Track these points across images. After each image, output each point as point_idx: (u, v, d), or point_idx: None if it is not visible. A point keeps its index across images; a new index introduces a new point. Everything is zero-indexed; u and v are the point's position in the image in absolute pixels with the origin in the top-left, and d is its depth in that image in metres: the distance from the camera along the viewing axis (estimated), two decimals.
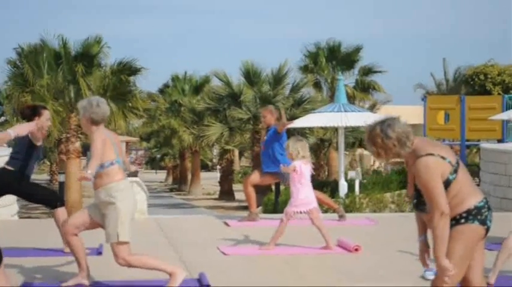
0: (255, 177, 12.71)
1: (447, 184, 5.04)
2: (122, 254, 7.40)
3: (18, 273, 8.33)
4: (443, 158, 5.05)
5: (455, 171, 5.07)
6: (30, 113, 9.48)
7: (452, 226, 5.10)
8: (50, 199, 9.73)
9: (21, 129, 7.03)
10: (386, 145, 5.09)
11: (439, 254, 4.99)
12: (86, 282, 7.75)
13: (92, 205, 7.71)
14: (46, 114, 9.54)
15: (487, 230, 5.17)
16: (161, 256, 8.26)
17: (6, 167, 9.31)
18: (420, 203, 5.19)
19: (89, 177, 7.12)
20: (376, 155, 5.19)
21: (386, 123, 5.12)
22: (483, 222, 5.11)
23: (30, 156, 9.31)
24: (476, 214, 5.09)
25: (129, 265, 7.49)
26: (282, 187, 18.55)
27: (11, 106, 29.43)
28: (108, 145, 7.42)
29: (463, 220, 5.09)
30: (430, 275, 7.86)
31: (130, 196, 7.50)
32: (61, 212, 9.47)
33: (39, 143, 9.35)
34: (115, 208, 7.35)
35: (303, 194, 9.99)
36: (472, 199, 5.11)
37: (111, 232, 7.35)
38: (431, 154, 5.04)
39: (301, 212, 10.00)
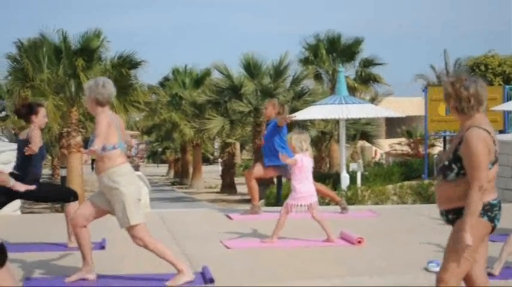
0: (257, 170, 12.70)
1: None
2: (139, 234, 7.46)
3: (21, 268, 8.34)
4: (494, 143, 5.07)
5: (494, 163, 5.08)
6: (26, 112, 9.44)
7: (461, 216, 5.09)
8: (64, 194, 9.73)
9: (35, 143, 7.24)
10: (461, 95, 5.11)
11: (466, 228, 4.95)
12: (90, 276, 7.76)
13: (97, 192, 7.74)
14: (42, 111, 9.52)
15: (493, 228, 5.17)
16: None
17: (14, 172, 9.29)
18: (448, 168, 5.14)
19: (94, 149, 7.13)
20: (446, 97, 5.20)
21: (473, 79, 5.17)
22: (492, 219, 5.13)
23: (32, 159, 9.27)
24: (487, 210, 5.10)
25: (146, 247, 7.55)
26: (283, 180, 18.53)
27: (12, 101, 29.40)
28: (112, 127, 7.44)
29: None
30: (434, 267, 7.86)
31: (133, 179, 7.54)
32: (73, 206, 9.45)
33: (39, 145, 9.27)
34: (120, 193, 7.38)
35: (304, 188, 9.98)
36: (490, 195, 5.12)
37: (121, 218, 7.42)
38: (489, 133, 5.05)
39: (301, 205, 9.99)
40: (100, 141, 7.26)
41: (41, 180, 9.79)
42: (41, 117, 9.44)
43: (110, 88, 7.64)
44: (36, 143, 9.05)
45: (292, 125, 23.29)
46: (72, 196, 9.56)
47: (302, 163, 9.98)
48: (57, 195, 9.89)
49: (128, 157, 7.85)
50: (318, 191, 12.87)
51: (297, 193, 9.97)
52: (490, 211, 5.11)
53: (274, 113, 12.66)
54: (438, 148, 44.46)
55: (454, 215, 5.17)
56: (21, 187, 7.39)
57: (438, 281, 5.15)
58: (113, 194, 7.45)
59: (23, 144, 9.24)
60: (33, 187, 7.82)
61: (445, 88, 5.21)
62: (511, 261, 8.25)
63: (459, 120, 5.20)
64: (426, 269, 8.07)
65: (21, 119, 9.74)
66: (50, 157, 53.52)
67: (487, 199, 5.10)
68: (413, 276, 7.93)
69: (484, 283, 5.28)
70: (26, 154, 9.07)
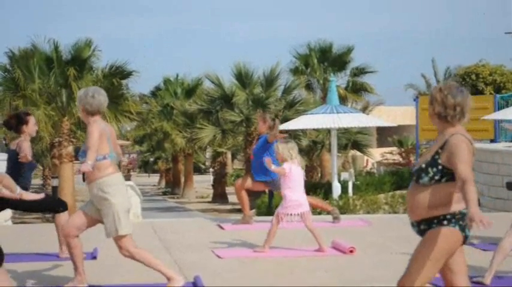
0: (247, 182, 12.68)
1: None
2: (125, 245, 7.48)
3: (13, 278, 8.30)
4: (473, 153, 5.10)
5: None
6: (16, 123, 9.42)
7: (433, 225, 5.10)
8: (53, 205, 9.71)
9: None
10: (447, 102, 5.12)
11: (475, 210, 4.79)
12: (82, 286, 7.75)
13: (87, 202, 7.75)
14: (32, 120, 9.51)
15: (465, 238, 5.14)
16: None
17: None
18: (424, 171, 5.14)
19: (89, 169, 7.16)
20: (432, 102, 5.19)
21: (461, 88, 5.20)
22: (463, 229, 5.10)
23: (22, 169, 9.24)
24: (459, 219, 5.09)
25: (133, 257, 7.56)
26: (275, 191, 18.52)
27: (3, 111, 29.36)
28: (103, 138, 7.45)
29: (445, 222, 5.07)
30: None
31: (123, 189, 7.56)
32: (63, 216, 9.44)
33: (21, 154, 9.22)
34: (109, 203, 7.40)
35: (295, 196, 9.98)
36: (460, 204, 5.09)
37: (110, 227, 7.44)
38: (471, 143, 5.10)
39: (291, 214, 9.98)
40: (92, 156, 7.27)
41: (30, 190, 9.76)
42: (31, 126, 9.43)
43: (99, 98, 7.64)
44: (27, 154, 9.05)
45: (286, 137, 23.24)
46: (62, 206, 9.55)
47: (291, 171, 9.99)
48: (47, 205, 9.85)
49: (119, 166, 7.86)
50: (310, 204, 12.88)
51: (287, 202, 9.97)
52: (461, 220, 5.08)
53: (264, 127, 12.56)
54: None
55: (425, 226, 5.16)
56: (28, 196, 7.44)
57: None
58: (102, 204, 7.46)
59: (13, 154, 9.22)
60: (40, 196, 7.85)
61: (432, 93, 5.23)
62: (503, 270, 8.27)
63: (438, 127, 5.21)
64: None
65: (11, 130, 9.71)
66: (41, 167, 53.39)
67: (459, 208, 5.08)
68: None
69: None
70: (20, 161, 9.05)
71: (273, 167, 10.37)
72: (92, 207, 7.64)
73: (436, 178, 5.07)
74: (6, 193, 7.32)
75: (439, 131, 5.24)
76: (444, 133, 5.16)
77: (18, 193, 6.83)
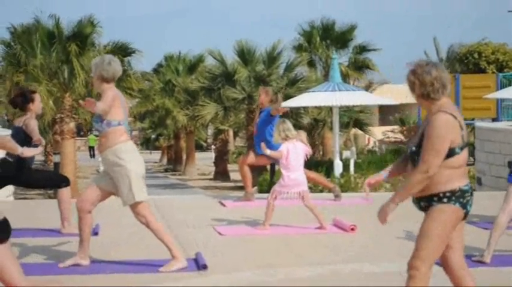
0: (250, 158, 12.71)
1: (451, 154, 5.04)
2: (143, 211, 7.51)
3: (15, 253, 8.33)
4: (461, 127, 5.07)
5: (462, 148, 5.09)
6: (22, 101, 9.43)
7: (433, 202, 5.11)
8: (55, 181, 9.76)
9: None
10: (424, 80, 5.10)
11: (394, 200, 5.13)
12: (83, 262, 7.77)
13: (100, 174, 7.76)
14: (38, 97, 9.55)
15: (466, 214, 5.18)
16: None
17: (7, 158, 9.28)
18: (417, 153, 5.15)
19: (95, 105, 7.15)
20: (411, 87, 5.19)
21: (433, 63, 5.18)
22: (464, 205, 5.13)
23: (28, 147, 9.26)
24: (459, 196, 5.10)
25: (148, 225, 7.58)
26: (277, 167, 18.54)
27: (4, 87, 29.34)
28: (118, 103, 7.46)
29: (445, 199, 5.09)
30: None
31: (138, 156, 7.59)
32: (66, 191, 9.47)
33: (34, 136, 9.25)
34: (125, 169, 7.40)
35: (293, 175, 9.97)
36: (459, 180, 5.11)
37: (126, 194, 7.44)
38: (455, 117, 5.06)
39: (288, 193, 9.97)
40: (103, 105, 7.28)
41: (33, 166, 9.79)
42: (37, 104, 9.46)
43: (115, 66, 7.64)
44: (37, 134, 9.09)
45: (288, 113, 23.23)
46: (64, 182, 9.57)
47: (288, 152, 9.98)
48: (49, 181, 9.91)
49: None
50: (311, 179, 12.88)
51: (285, 181, 9.97)
52: (461, 197, 5.10)
53: (267, 100, 12.62)
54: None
55: (425, 203, 5.18)
56: (29, 152, 7.43)
57: (409, 268, 5.17)
58: (118, 171, 7.45)
59: (18, 131, 9.23)
60: (39, 150, 7.88)
61: (407, 79, 5.21)
62: (503, 249, 8.28)
63: (426, 107, 5.19)
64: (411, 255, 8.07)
65: (16, 109, 9.72)
66: (44, 141, 53.31)
67: (458, 185, 5.10)
68: (405, 263, 7.94)
69: (461, 267, 5.28)
70: (31, 141, 9.07)
71: (268, 152, 10.39)
72: (106, 178, 7.62)
73: None
74: (26, 151, 7.30)
75: (427, 111, 5.22)
76: (430, 111, 5.15)
77: (20, 151, 6.83)
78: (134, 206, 7.53)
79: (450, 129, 5.01)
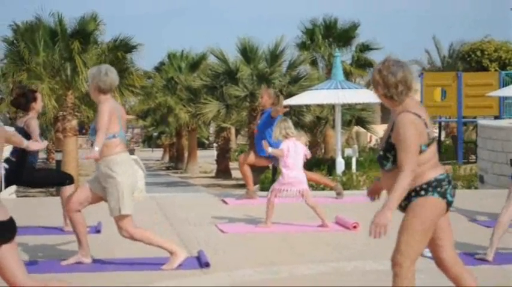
0: (250, 158, 12.70)
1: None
2: (125, 226, 7.50)
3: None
4: (426, 125, 5.05)
5: (428, 145, 5.06)
6: (25, 101, 9.43)
7: (412, 198, 5.09)
8: (59, 178, 9.78)
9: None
10: (389, 82, 5.06)
11: (389, 206, 4.98)
12: (86, 260, 7.78)
13: (93, 178, 7.76)
14: (39, 96, 9.57)
15: (448, 204, 5.11)
16: (160, 234, 8.28)
17: (10, 158, 9.29)
18: (384, 158, 5.14)
19: (97, 156, 7.19)
20: (374, 85, 5.15)
21: (400, 63, 5.12)
22: (443, 195, 5.07)
23: None
24: (436, 186, 5.06)
25: (132, 238, 7.58)
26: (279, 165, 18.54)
27: (7, 84, 29.35)
28: (114, 117, 7.45)
29: (422, 192, 5.07)
30: (427, 253, 7.87)
31: (130, 168, 7.56)
32: (69, 190, 9.48)
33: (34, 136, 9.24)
34: (115, 182, 7.41)
35: (292, 174, 9.96)
36: (433, 172, 5.08)
37: (113, 206, 7.44)
38: (419, 116, 5.03)
39: (287, 191, 9.96)
40: (101, 138, 7.28)
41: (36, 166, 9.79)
42: (39, 103, 9.48)
43: (112, 76, 7.61)
44: (37, 134, 9.08)
45: (288, 111, 23.23)
46: (68, 179, 9.58)
47: (288, 150, 9.98)
48: (54, 179, 9.93)
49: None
50: (313, 180, 12.90)
51: (285, 179, 9.96)
52: (438, 187, 5.06)
53: (269, 102, 12.60)
54: (433, 134, 44.39)
55: (405, 202, 5.15)
56: (35, 146, 7.46)
57: (393, 265, 5.15)
58: (108, 182, 7.47)
59: (21, 132, 9.23)
60: (44, 145, 7.90)
61: (372, 76, 5.17)
62: (506, 247, 8.28)
63: (389, 106, 5.16)
64: (421, 255, 8.07)
65: (19, 109, 9.73)
66: (46, 142, 53.35)
67: (433, 176, 5.06)
68: None
69: (456, 264, 5.26)
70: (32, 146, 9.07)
71: (270, 150, 10.40)
72: (98, 184, 7.64)
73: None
74: (31, 145, 7.31)
75: (391, 111, 5.19)
76: (394, 112, 5.13)
77: (25, 144, 6.84)
78: (118, 219, 7.54)
79: (416, 129, 4.98)
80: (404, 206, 5.16)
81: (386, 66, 5.09)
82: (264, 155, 12.45)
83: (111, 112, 7.45)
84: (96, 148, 7.23)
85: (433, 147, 5.13)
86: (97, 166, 7.56)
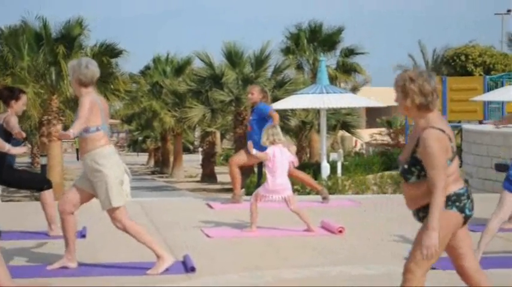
0: (241, 157, 12.67)
1: None
2: (119, 217, 7.50)
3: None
4: (450, 140, 5.08)
5: (452, 159, 5.09)
6: (7, 95, 9.40)
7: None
8: (37, 182, 9.73)
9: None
10: (425, 90, 5.05)
11: (432, 227, 4.96)
12: (71, 265, 7.75)
13: (80, 176, 7.74)
14: (23, 99, 9.47)
15: (466, 218, 5.15)
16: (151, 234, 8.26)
17: None
18: (409, 172, 5.15)
19: (69, 135, 7.16)
20: (405, 94, 5.10)
21: (427, 72, 5.12)
22: (461, 209, 5.11)
23: (10, 144, 9.21)
24: (455, 201, 5.09)
25: (125, 229, 7.57)
26: (264, 170, 18.54)
27: None
28: (95, 109, 7.43)
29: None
30: None
31: (116, 160, 7.56)
32: (48, 194, 9.45)
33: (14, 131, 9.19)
34: (102, 175, 7.40)
35: (278, 181, 9.93)
36: (454, 186, 5.10)
37: (104, 199, 7.46)
38: (443, 131, 5.05)
39: (272, 197, 9.95)
40: (79, 125, 7.26)
41: (19, 168, 9.75)
42: (20, 104, 9.39)
43: (92, 69, 7.58)
44: (18, 129, 9.02)
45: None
46: (46, 184, 9.55)
47: (274, 155, 9.97)
48: (31, 182, 9.85)
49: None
50: (300, 179, 12.92)
51: (270, 186, 9.93)
52: (457, 201, 5.09)
53: (259, 98, 12.70)
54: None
55: (423, 213, 5.17)
56: (17, 151, 7.46)
57: (405, 271, 5.18)
58: (96, 176, 7.46)
59: None
60: (25, 149, 7.87)
61: (405, 86, 5.10)
62: (488, 251, 8.30)
63: (415, 117, 5.14)
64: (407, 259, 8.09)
65: (1, 100, 9.68)
66: (29, 145, 53.25)
67: (453, 190, 5.09)
68: (394, 266, 7.97)
69: (477, 271, 5.30)
70: (14, 137, 9.02)
71: (254, 152, 10.40)
72: (86, 181, 7.62)
73: (423, 173, 5.07)
74: (12, 150, 7.32)
75: (415, 123, 5.18)
76: (418, 126, 5.12)
77: (7, 148, 6.84)
78: (111, 212, 7.53)
79: (443, 145, 5.00)
80: (422, 217, 5.18)
81: (419, 75, 5.09)
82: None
83: (93, 104, 7.42)
84: (72, 131, 7.20)
85: (456, 161, 5.15)
86: (83, 162, 7.55)
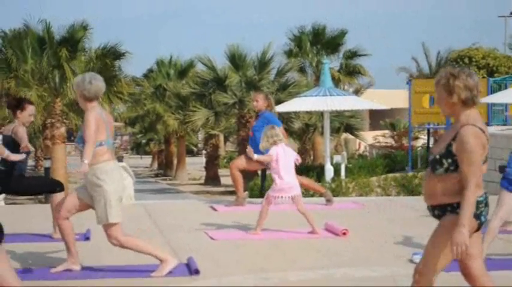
0: (242, 162, 12.69)
1: None
2: (114, 234, 7.50)
3: None
4: (487, 141, 5.11)
5: (484, 161, 5.10)
6: (14, 105, 9.45)
7: (447, 213, 5.11)
8: (49, 185, 9.74)
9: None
10: (470, 85, 5.08)
11: (463, 224, 4.93)
12: (75, 267, 7.76)
13: (81, 186, 7.75)
14: (29, 109, 9.47)
15: (480, 225, 5.15)
16: (149, 242, 8.26)
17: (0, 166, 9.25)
18: (439, 162, 5.16)
19: (86, 170, 7.20)
20: (449, 92, 5.11)
21: (468, 71, 5.16)
22: (477, 216, 5.10)
23: (17, 153, 9.22)
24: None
25: (122, 246, 7.58)
26: (268, 172, 18.54)
27: None
28: (100, 124, 7.44)
29: (459, 210, 5.07)
30: (419, 259, 7.89)
31: (117, 176, 7.55)
32: (60, 197, 9.44)
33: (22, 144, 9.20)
34: (102, 190, 7.40)
35: (285, 180, 9.95)
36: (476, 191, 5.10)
37: (101, 214, 7.44)
38: (483, 131, 5.06)
39: (282, 197, 9.96)
40: (89, 151, 7.29)
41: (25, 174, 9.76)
42: (25, 115, 9.40)
43: (96, 84, 7.60)
44: (25, 141, 9.06)
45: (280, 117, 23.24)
46: (58, 187, 9.55)
47: (278, 155, 9.97)
48: (44, 187, 9.89)
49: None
50: (303, 185, 12.88)
51: (278, 185, 9.94)
52: (475, 209, 5.09)
53: (264, 106, 12.70)
54: (422, 141, 44.55)
55: (439, 212, 5.17)
56: (15, 157, 7.46)
57: (416, 272, 5.18)
58: (95, 191, 7.46)
59: (9, 140, 9.19)
60: (23, 156, 7.89)
61: (449, 83, 5.12)
62: (489, 253, 8.29)
63: (456, 113, 5.14)
64: (411, 261, 8.10)
65: (9, 109, 9.75)
66: (33, 148, 53.31)
67: None
68: (398, 267, 7.97)
69: (483, 274, 5.28)
70: (22, 151, 9.04)
71: (256, 157, 10.40)
72: (85, 192, 7.63)
73: (452, 168, 5.06)
74: (12, 156, 7.34)
75: (455, 118, 5.17)
76: (458, 121, 5.12)
77: (6, 154, 6.87)
78: (106, 227, 7.54)
79: (480, 142, 5.02)
80: (438, 215, 5.17)
81: (461, 72, 5.13)
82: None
83: (98, 120, 7.44)
84: (86, 161, 7.23)
85: (484, 166, 5.16)
86: (84, 174, 7.55)
